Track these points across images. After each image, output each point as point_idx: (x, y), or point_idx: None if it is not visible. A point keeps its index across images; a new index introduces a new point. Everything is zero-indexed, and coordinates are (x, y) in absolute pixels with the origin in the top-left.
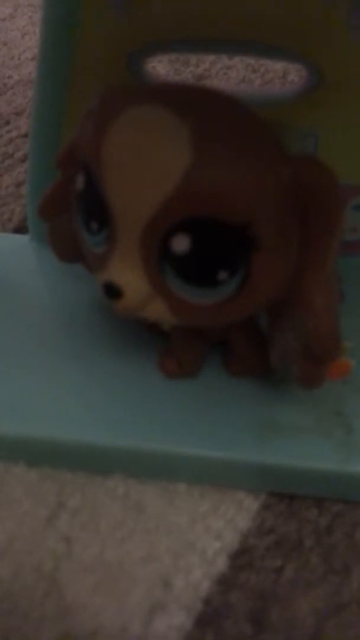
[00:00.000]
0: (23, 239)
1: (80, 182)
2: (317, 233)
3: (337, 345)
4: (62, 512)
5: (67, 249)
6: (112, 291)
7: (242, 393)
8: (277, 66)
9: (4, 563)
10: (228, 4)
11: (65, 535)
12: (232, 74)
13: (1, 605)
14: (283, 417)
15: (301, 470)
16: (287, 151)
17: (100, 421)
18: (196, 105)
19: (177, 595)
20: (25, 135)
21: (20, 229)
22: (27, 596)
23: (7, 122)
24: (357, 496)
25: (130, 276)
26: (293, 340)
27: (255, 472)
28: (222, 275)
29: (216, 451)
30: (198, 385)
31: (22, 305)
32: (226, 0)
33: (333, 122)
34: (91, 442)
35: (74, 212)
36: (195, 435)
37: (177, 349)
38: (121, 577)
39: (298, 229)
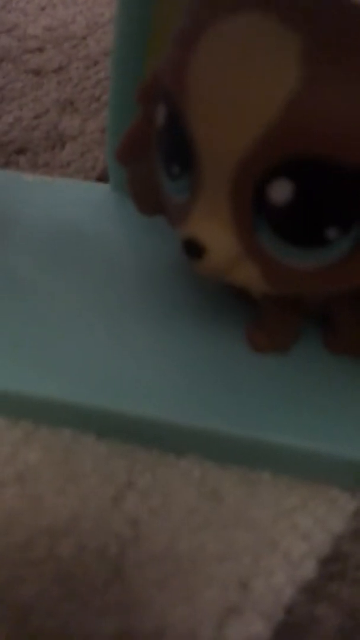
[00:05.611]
0: (105, 188)
1: (160, 116)
2: None
3: None
4: (130, 492)
5: (148, 201)
6: (194, 249)
7: (342, 375)
8: None
9: (66, 542)
10: None
11: (132, 518)
12: None
13: (60, 587)
14: None
15: None
16: None
17: (176, 396)
18: (310, 12)
19: (256, 600)
20: None
21: (103, 178)
22: (88, 581)
23: (96, 63)
24: None
25: (215, 232)
26: None
27: (352, 470)
28: (332, 232)
29: (308, 442)
30: (290, 363)
31: (99, 260)
32: None
33: None
34: (166, 419)
35: (154, 155)
36: (284, 421)
37: (268, 320)
38: (193, 573)
39: None
